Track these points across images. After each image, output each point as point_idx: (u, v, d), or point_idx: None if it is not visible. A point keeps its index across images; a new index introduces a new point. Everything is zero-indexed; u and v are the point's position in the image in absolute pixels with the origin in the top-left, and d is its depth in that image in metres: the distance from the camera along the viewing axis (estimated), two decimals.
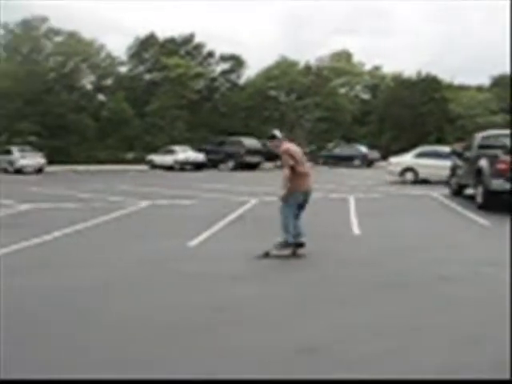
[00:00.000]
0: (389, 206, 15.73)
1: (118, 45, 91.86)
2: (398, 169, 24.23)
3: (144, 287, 6.66)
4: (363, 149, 44.33)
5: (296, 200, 8.08)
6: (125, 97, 51.05)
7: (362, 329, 5.06)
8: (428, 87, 54.47)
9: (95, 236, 10.36)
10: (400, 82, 57.72)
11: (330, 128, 56.16)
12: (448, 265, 7.65)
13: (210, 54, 57.81)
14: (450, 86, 56.35)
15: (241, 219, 12.46)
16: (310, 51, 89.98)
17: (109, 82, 55.19)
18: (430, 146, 29.98)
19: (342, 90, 62.31)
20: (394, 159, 25.54)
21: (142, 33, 57.21)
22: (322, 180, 26.58)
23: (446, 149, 23.08)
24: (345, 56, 63.81)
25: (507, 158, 13.18)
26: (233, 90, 57.49)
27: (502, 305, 5.63)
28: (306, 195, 8.26)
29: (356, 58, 64.96)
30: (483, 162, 14.00)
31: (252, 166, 37.89)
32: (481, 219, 12.02)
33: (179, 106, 51.48)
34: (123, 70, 56.58)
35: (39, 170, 35.45)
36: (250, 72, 59.40)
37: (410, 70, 58.65)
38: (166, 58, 52.72)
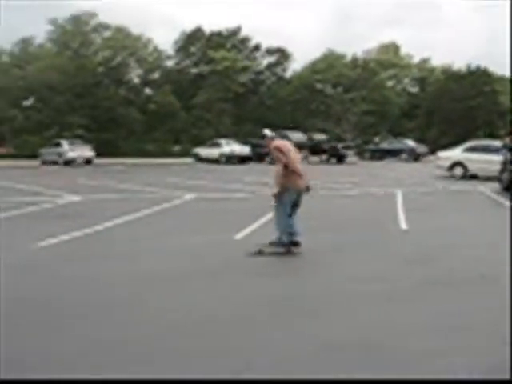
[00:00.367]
0: (437, 201, 15.46)
1: (165, 39, 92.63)
2: (447, 163, 23.77)
3: (193, 279, 6.68)
4: (411, 143, 43.71)
5: (290, 198, 7.88)
6: (171, 90, 51.51)
7: (410, 326, 4.98)
8: (478, 80, 53.28)
9: (142, 227, 10.47)
10: (449, 75, 56.67)
11: (377, 122, 55.55)
12: (492, 264, 7.47)
13: (256, 48, 57.77)
14: (500, 79, 54.99)
15: None
16: (357, 44, 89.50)
17: (156, 75, 55.76)
18: (479, 140, 29.34)
19: (390, 83, 61.50)
20: (442, 153, 25.07)
21: (189, 27, 57.62)
22: (368, 174, 26.34)
23: (497, 143, 22.53)
24: (392, 48, 62.91)
25: None
26: (279, 84, 57.37)
27: None
28: (300, 193, 8.02)
29: (404, 51, 64.06)
30: None
31: None
32: None
33: (225, 100, 51.67)
34: (170, 63, 57.12)
35: (88, 163, 36.05)
36: (296, 65, 59.48)
37: (459, 63, 57.73)
38: (213, 52, 52.92)
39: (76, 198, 15.02)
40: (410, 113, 58.17)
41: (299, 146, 38.25)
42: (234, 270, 7.14)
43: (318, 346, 4.48)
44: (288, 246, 7.86)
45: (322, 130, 47.98)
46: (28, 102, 51.89)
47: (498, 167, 18.51)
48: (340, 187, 18.78)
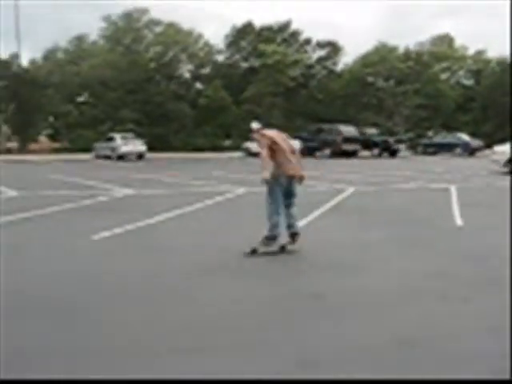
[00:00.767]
0: (492, 196, 15.01)
1: (215, 34, 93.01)
2: (504, 158, 23.09)
3: (247, 273, 6.64)
4: (465, 137, 42.74)
5: (280, 187, 7.49)
6: (222, 85, 51.73)
7: (462, 326, 4.81)
8: None
9: (194, 221, 10.49)
10: (505, 67, 55.06)
11: (430, 115, 54.55)
12: None
13: (307, 41, 57.43)
14: None
15: (338, 208, 12.27)
16: (410, 36, 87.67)
17: (206, 70, 56.11)
18: None
19: (443, 76, 60.23)
20: (498, 148, 24.38)
21: (239, 21, 57.69)
22: (421, 169, 25.87)
23: None
24: (446, 40, 61.55)
25: None
26: (329, 77, 56.92)
27: None
28: (291, 181, 7.60)
29: (458, 42, 62.51)
30: None
31: (349, 154, 37.42)
32: None
33: (275, 94, 51.58)
34: (221, 58, 57.31)
35: (140, 157, 36.57)
36: (347, 58, 58.77)
37: None
38: (263, 46, 52.87)
39: (129, 192, 15.22)
40: (465, 106, 56.85)
41: (350, 140, 38.06)
42: (286, 265, 7.07)
43: (368, 345, 4.37)
44: (272, 239, 7.47)
45: (374, 124, 47.43)
46: (82, 98, 53.02)
47: None
48: (393, 181, 18.48)
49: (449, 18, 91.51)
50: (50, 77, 49.10)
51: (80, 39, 56.04)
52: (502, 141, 29.97)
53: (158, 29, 54.64)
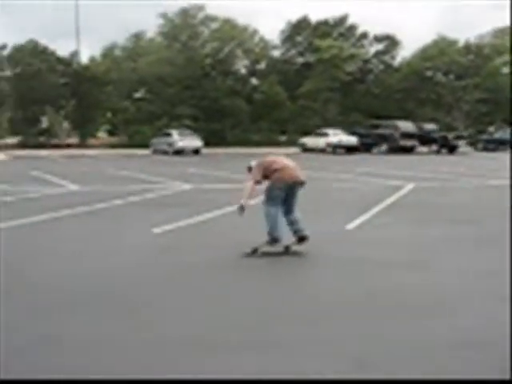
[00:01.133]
0: None
1: (271, 29, 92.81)
2: None
3: (305, 269, 6.55)
4: None
5: (278, 189, 7.21)
6: (278, 80, 51.61)
7: None
8: None
9: (251, 216, 10.44)
10: None
11: (491, 110, 53.03)
12: None
13: (364, 35, 56.65)
14: None
15: (397, 204, 12.02)
16: (470, 29, 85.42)
17: (262, 65, 56.06)
18: None
19: (505, 70, 58.38)
20: None
21: (295, 16, 57.37)
22: (481, 165, 25.18)
23: None
24: (508, 33, 59.66)
25: None
26: (387, 72, 56.01)
27: None
28: (289, 187, 7.26)
29: None
30: None
31: (407, 150, 36.77)
32: None
33: (332, 89, 51.11)
34: (276, 53, 57.16)
35: (196, 152, 36.87)
36: (405, 52, 57.69)
37: None
38: (319, 41, 52.47)
39: (187, 187, 15.31)
40: None
41: (407, 136, 37.30)
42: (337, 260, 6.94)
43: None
44: (274, 241, 7.27)
45: (433, 120, 46.45)
46: (139, 94, 53.83)
47: None
48: (451, 178, 18.02)
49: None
50: (109, 74, 50.03)
51: (137, 36, 56.87)
52: None
53: (214, 25, 54.89)
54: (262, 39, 55.40)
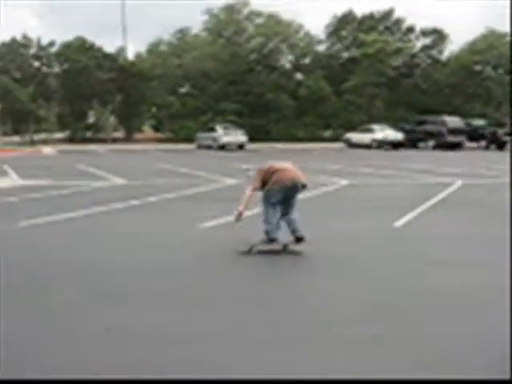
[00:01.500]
0: None
1: (316, 23, 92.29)
2: None
3: (353, 266, 6.45)
4: None
5: (275, 195, 7.09)
6: (322, 75, 51.25)
7: None
8: None
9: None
10: None
11: None
12: None
13: (410, 29, 55.70)
14: None
15: (446, 201, 11.76)
16: None
17: (307, 60, 55.73)
18: None
19: None
20: None
21: (340, 10, 56.87)
22: None
23: None
24: None
25: None
26: (434, 66, 54.96)
27: None
28: (287, 190, 7.12)
29: None
30: None
31: (454, 146, 36.07)
32: None
33: (377, 84, 50.46)
34: (321, 48, 56.73)
35: (241, 147, 36.91)
36: (453, 46, 56.48)
37: None
38: (364, 35, 51.84)
39: (232, 182, 15.30)
40: None
41: (455, 131, 36.48)
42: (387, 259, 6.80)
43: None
44: (271, 241, 7.21)
45: (482, 115, 45.42)
46: (184, 89, 54.20)
47: None
48: (501, 175, 17.55)
49: None
50: (154, 69, 50.44)
51: (183, 32, 57.19)
52: None
53: (259, 20, 54.79)
54: (306, 34, 55.05)
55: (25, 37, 51.46)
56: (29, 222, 9.09)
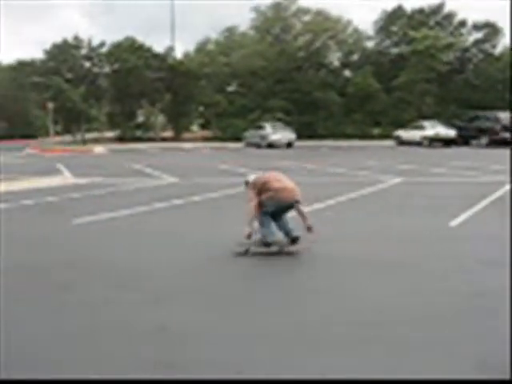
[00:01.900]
0: None
1: (364, 19, 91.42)
2: None
3: (408, 267, 6.33)
4: None
5: (269, 209, 7.06)
6: (371, 72, 50.66)
7: None
8: None
9: (350, 210, 10.27)
10: None
11: None
12: None
13: (462, 23, 54.55)
14: None
15: (502, 200, 11.44)
16: None
17: (355, 57, 55.23)
18: None
19: None
20: None
21: (390, 6, 56.14)
22: None
23: None
24: None
25: None
26: (487, 61, 53.64)
27: None
28: (280, 206, 7.10)
29: None
30: None
31: (508, 143, 35.12)
32: None
33: (428, 80, 49.59)
34: (370, 44, 56.13)
35: (289, 145, 36.83)
36: (506, 40, 55.07)
37: None
38: (414, 31, 51.01)
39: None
40: None
41: (509, 128, 35.40)
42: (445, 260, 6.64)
43: None
44: (288, 240, 7.18)
45: None
46: (232, 88, 54.40)
47: None
48: None
49: None
50: (202, 68, 50.82)
51: (230, 31, 57.48)
52: None
53: (307, 17, 54.57)
54: (355, 30, 54.57)
55: (76, 38, 52.61)
56: (88, 218, 9.39)
